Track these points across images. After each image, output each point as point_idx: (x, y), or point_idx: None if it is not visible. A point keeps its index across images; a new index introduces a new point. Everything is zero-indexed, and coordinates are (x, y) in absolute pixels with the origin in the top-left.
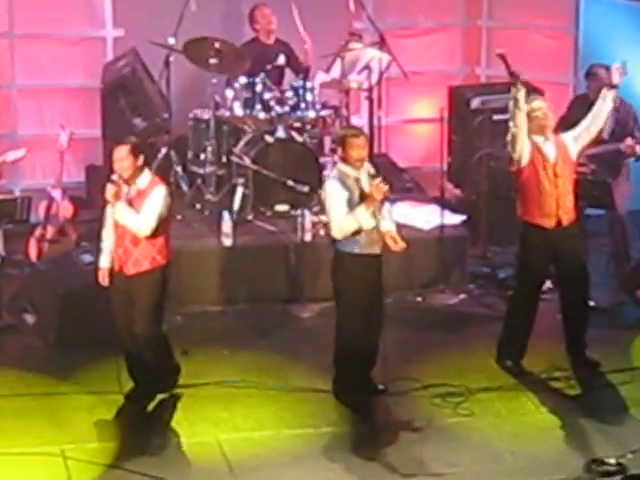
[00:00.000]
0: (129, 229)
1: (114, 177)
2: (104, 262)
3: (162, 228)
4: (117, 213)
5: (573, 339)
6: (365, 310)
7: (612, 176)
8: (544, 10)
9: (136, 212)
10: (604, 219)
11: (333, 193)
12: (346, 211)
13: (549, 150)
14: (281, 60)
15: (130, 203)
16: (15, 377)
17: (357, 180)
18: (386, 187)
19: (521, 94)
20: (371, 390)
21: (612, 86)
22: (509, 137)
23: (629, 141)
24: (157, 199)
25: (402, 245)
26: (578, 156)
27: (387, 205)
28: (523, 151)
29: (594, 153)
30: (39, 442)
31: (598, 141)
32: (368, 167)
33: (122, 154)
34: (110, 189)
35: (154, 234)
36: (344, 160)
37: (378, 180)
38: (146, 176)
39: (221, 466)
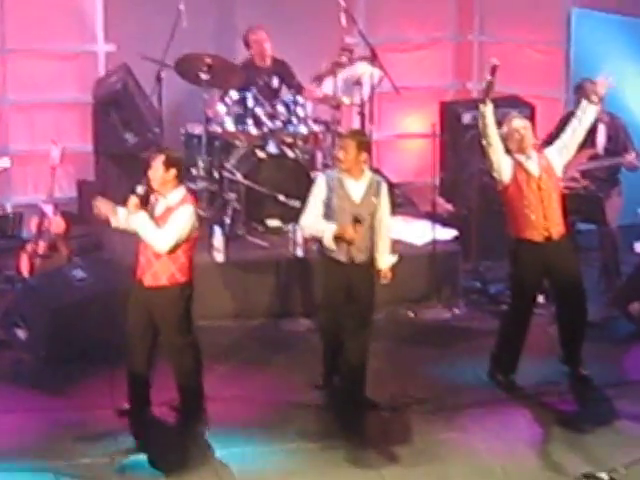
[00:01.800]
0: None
1: (138, 188)
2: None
3: (186, 247)
4: (137, 224)
5: (569, 353)
6: (335, 314)
7: (607, 191)
8: (535, 25)
9: (157, 226)
10: (595, 234)
11: (313, 188)
12: (317, 212)
13: (532, 166)
14: (275, 83)
15: (158, 218)
16: (6, 392)
17: (340, 182)
18: (351, 233)
19: (488, 110)
20: (363, 405)
21: (592, 101)
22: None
23: (630, 157)
24: (180, 219)
25: (388, 279)
26: (565, 170)
27: (388, 239)
28: (501, 169)
29: (592, 167)
30: (30, 458)
31: (594, 156)
32: (372, 179)
33: (155, 163)
34: (133, 200)
35: (174, 251)
36: None
37: (347, 225)
38: (178, 193)
39: None
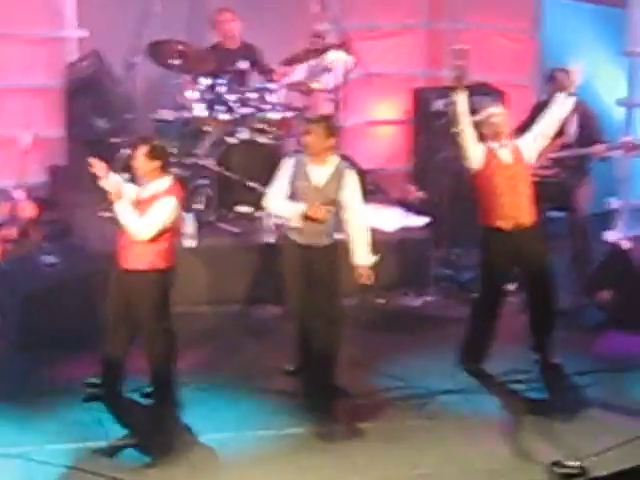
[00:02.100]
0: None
1: (122, 177)
2: None
3: (166, 235)
4: (119, 212)
5: (539, 341)
6: (300, 299)
7: (578, 179)
8: (507, 13)
9: (139, 215)
10: (565, 222)
11: (280, 168)
12: (283, 192)
13: (504, 154)
14: (243, 65)
15: (143, 202)
16: None
17: (305, 166)
18: (322, 214)
19: (461, 98)
20: (334, 392)
21: (571, 93)
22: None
23: (600, 147)
24: (162, 209)
25: (370, 280)
26: (537, 159)
27: (367, 236)
28: (472, 156)
29: (562, 156)
30: (1, 444)
31: (564, 145)
32: (339, 165)
33: (137, 153)
34: (117, 187)
35: (155, 239)
36: None
37: (318, 205)
38: (164, 182)
39: (182, 467)
